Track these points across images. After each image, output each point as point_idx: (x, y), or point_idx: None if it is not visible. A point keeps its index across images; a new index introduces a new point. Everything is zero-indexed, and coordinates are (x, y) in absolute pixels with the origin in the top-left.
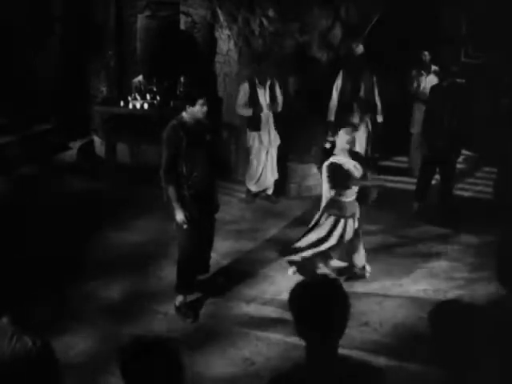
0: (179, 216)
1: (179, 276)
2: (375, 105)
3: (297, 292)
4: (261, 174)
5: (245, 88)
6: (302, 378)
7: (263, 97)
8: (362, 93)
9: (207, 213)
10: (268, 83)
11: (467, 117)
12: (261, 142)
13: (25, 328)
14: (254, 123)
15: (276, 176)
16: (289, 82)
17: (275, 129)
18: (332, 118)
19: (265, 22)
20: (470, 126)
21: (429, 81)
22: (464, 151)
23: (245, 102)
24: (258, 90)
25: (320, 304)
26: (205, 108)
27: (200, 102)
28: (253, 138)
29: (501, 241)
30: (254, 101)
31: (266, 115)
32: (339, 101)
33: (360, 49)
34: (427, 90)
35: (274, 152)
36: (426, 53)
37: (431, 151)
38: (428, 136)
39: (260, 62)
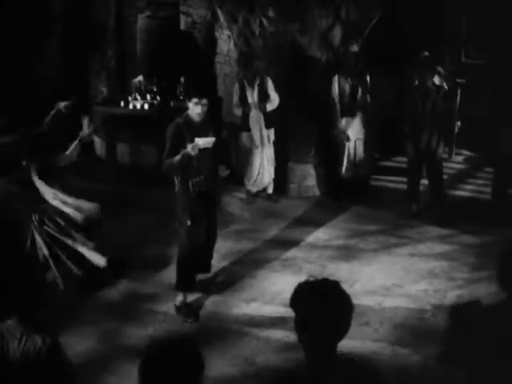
0: (189, 150)
1: (179, 273)
2: (368, 103)
3: (300, 294)
4: (258, 174)
5: (235, 88)
6: (302, 378)
7: (251, 96)
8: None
9: (209, 210)
10: (257, 82)
11: (450, 116)
12: (252, 141)
13: (33, 328)
14: (244, 123)
15: (273, 175)
16: (288, 82)
17: (267, 128)
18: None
19: (265, 21)
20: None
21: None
22: (464, 151)
23: (236, 102)
24: (246, 90)
25: (325, 306)
26: (199, 108)
27: (194, 100)
28: (245, 137)
29: (501, 241)
30: (243, 101)
31: (255, 115)
32: (340, 103)
33: (354, 48)
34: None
35: (268, 151)
36: (426, 53)
37: (416, 151)
38: (411, 136)
39: (247, 61)
